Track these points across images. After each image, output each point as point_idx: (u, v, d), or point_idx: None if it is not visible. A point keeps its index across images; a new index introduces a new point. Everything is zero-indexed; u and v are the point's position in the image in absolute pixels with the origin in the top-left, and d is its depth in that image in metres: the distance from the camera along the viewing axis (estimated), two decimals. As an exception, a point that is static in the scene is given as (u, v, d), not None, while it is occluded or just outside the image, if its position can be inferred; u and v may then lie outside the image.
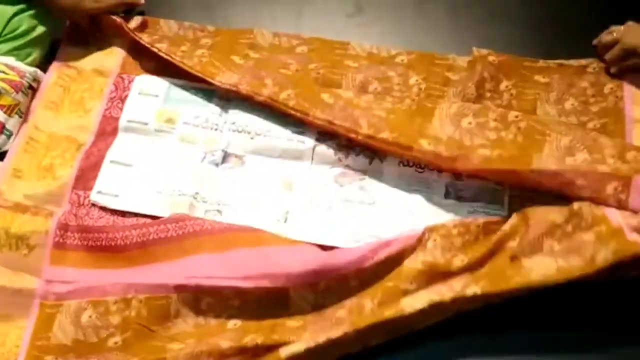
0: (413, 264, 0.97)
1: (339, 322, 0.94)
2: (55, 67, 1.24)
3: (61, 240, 1.06)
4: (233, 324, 0.99)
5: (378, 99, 1.16)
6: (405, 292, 0.95)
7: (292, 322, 0.97)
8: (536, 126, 1.07)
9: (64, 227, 1.06)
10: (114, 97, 1.20)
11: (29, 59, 1.20)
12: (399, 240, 1.00)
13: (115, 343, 0.98)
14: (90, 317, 0.99)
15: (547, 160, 1.01)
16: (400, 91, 1.18)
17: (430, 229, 0.99)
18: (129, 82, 1.21)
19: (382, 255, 0.99)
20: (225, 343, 0.94)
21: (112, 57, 1.25)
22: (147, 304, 0.99)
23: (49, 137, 1.17)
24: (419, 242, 0.99)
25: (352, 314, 0.95)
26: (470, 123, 1.10)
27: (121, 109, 1.19)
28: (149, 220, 1.06)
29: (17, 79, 1.16)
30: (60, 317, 1.00)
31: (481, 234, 0.99)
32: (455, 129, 1.09)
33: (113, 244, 1.04)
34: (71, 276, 1.03)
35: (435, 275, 0.96)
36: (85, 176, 1.13)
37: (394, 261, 0.99)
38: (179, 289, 0.99)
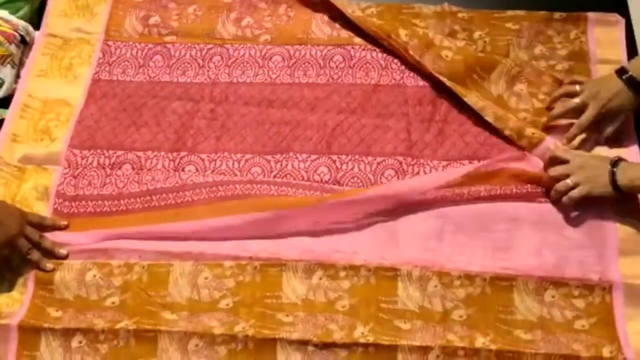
0: (409, 303, 1.05)
1: (328, 334, 1.03)
2: (40, 36, 1.29)
3: (59, 209, 1.14)
4: (225, 303, 1.05)
5: None
6: (398, 330, 1.03)
7: (282, 316, 1.04)
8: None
9: (62, 196, 1.14)
10: (102, 62, 1.27)
11: (20, 13, 1.26)
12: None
13: (113, 303, 1.06)
14: (94, 276, 1.08)
15: (494, 80, 1.20)
16: None
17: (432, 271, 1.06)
18: (116, 49, 1.28)
19: (373, 262, 1.07)
20: (217, 328, 1.03)
21: (95, 23, 1.31)
22: (148, 270, 1.08)
23: (42, 103, 1.23)
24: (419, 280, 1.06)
25: (343, 330, 1.03)
26: (444, 31, 1.27)
27: (109, 72, 1.26)
28: (152, 188, 1.14)
29: (11, 31, 1.21)
30: (61, 274, 1.07)
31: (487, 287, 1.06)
32: (432, 31, 1.27)
33: (115, 209, 1.13)
34: (67, 239, 1.10)
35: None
36: (81, 136, 1.19)
37: (389, 279, 1.06)
38: (183, 256, 1.08)
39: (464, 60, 1.21)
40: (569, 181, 1.05)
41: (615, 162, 1.04)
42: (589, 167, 1.06)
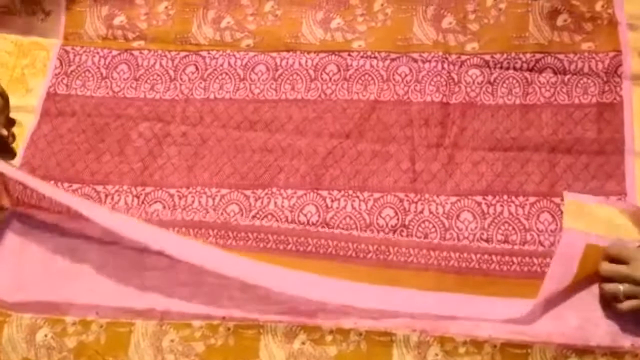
0: None
1: None
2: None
3: None
4: None
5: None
6: None
7: None
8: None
9: None
10: (59, 72, 1.12)
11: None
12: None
13: None
14: (45, 336, 0.95)
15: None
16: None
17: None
18: (75, 56, 1.13)
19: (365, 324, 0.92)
20: None
21: (51, 25, 1.16)
22: (107, 329, 0.95)
23: (-11, 123, 1.09)
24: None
25: None
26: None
27: (67, 86, 1.11)
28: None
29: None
30: (9, 330, 0.96)
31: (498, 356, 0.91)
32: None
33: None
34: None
35: None
36: (31, 163, 1.06)
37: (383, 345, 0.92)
38: (146, 313, 0.95)
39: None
40: (621, 288, 0.88)
41: None
42: None
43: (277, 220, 0.99)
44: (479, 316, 0.92)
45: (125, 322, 0.95)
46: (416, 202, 0.99)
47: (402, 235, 0.97)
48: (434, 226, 0.97)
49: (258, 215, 1.00)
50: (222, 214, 1.00)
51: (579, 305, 0.91)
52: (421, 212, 0.98)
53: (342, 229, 0.98)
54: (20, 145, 1.06)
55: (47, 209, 0.98)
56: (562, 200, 0.97)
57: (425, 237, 0.97)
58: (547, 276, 0.90)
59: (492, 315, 0.91)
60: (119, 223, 0.96)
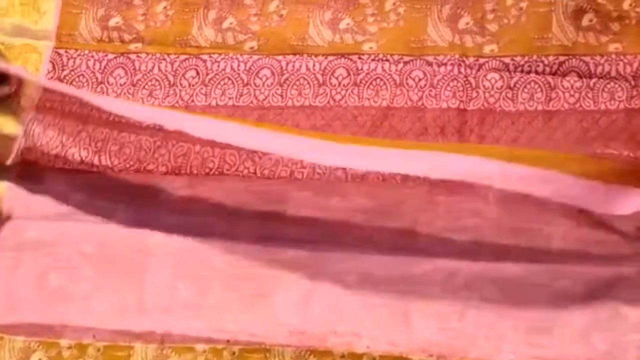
0: None
1: None
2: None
3: None
4: None
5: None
6: None
7: None
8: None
9: None
10: (52, 77, 1.08)
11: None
12: None
13: None
14: None
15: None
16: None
17: None
18: (69, 60, 1.08)
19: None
20: None
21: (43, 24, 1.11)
22: (104, 353, 0.93)
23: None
24: None
25: None
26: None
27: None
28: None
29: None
30: (1, 353, 0.94)
31: None
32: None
33: None
34: None
35: None
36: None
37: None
38: (145, 336, 0.93)
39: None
40: None
41: None
42: None
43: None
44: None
45: (124, 345, 0.92)
46: None
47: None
48: None
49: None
50: None
51: (606, 328, 0.87)
52: None
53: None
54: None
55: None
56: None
57: None
58: None
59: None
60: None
